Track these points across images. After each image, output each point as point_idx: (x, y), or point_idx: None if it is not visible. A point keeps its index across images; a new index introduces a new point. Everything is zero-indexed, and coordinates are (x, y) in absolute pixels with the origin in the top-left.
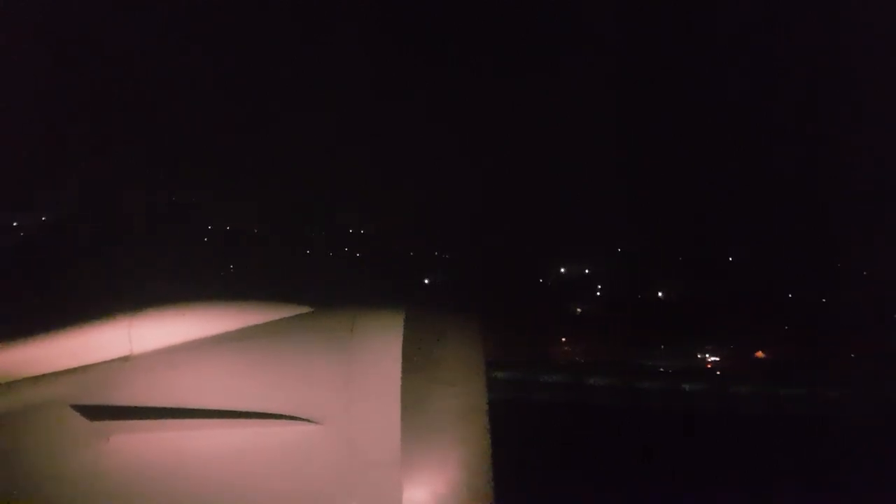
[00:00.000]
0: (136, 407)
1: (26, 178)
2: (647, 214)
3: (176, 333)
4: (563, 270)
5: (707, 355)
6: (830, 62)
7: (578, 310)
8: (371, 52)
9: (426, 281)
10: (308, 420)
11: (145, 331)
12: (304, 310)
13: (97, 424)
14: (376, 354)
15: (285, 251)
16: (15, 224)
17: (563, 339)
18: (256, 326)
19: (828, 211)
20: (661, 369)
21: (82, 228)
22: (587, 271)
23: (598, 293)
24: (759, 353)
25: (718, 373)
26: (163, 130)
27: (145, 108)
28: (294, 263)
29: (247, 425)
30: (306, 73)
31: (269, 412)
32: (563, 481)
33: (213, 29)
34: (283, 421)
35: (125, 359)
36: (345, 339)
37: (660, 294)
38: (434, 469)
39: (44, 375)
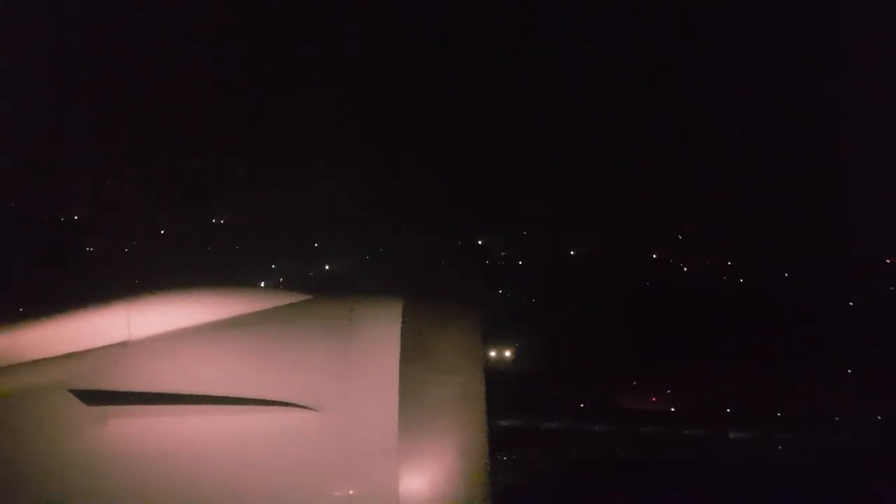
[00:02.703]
0: (133, 392)
1: (28, 171)
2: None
3: (174, 320)
4: (327, 267)
5: None
6: (830, 62)
7: None
8: (370, 52)
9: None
10: (305, 407)
11: (144, 316)
12: (303, 297)
13: (95, 409)
14: (375, 342)
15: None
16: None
17: None
18: (255, 313)
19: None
20: None
21: (83, 220)
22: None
23: None
24: None
25: None
26: (158, 126)
27: (143, 104)
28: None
29: (244, 412)
30: (303, 73)
31: (267, 399)
32: None
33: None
34: (281, 408)
35: (123, 344)
36: (343, 326)
37: None
38: (431, 456)
39: (42, 360)
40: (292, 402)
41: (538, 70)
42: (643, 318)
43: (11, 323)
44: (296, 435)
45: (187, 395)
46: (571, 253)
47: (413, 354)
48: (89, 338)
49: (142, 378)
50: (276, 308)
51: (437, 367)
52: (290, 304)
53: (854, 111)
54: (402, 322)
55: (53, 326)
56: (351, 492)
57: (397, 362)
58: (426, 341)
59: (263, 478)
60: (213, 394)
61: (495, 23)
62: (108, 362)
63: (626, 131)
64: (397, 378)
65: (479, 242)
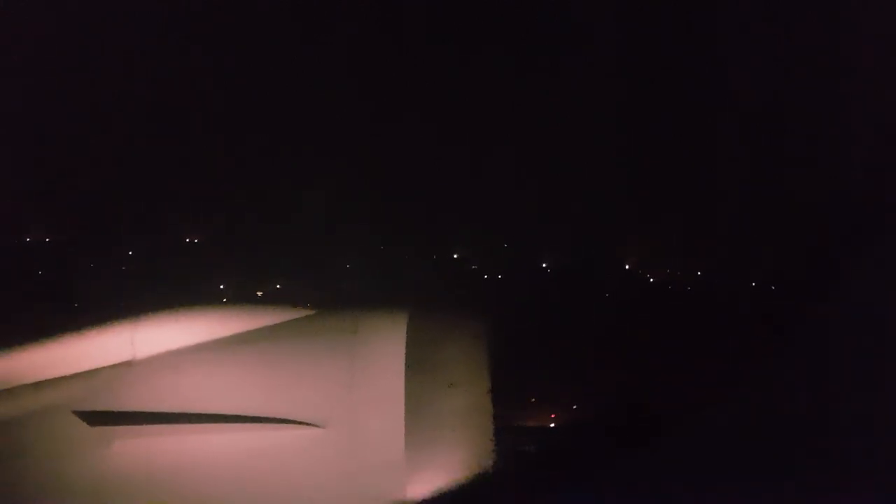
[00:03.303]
0: (138, 412)
1: (28, 183)
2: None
3: (178, 338)
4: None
5: None
6: (830, 62)
7: None
8: (369, 52)
9: None
10: (312, 424)
11: (148, 335)
12: (308, 312)
13: (99, 430)
14: (380, 356)
15: None
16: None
17: None
18: (259, 330)
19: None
20: None
21: (85, 235)
22: None
23: None
24: None
25: None
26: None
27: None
28: None
29: (250, 430)
30: (301, 73)
31: (273, 416)
32: None
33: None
34: (287, 425)
35: (128, 364)
36: (349, 340)
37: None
38: (437, 470)
39: (47, 381)
40: (298, 419)
41: (518, 79)
42: (577, 331)
43: (15, 344)
44: (302, 451)
45: (192, 414)
46: (543, 265)
47: (419, 367)
48: (93, 358)
49: (146, 398)
50: (280, 323)
51: (442, 380)
52: (295, 319)
53: (844, 115)
54: (407, 335)
55: (57, 347)
56: None
57: (403, 376)
58: (432, 354)
59: (270, 495)
60: (218, 412)
61: (467, 37)
62: (113, 382)
63: (604, 141)
64: (403, 391)
65: (455, 256)
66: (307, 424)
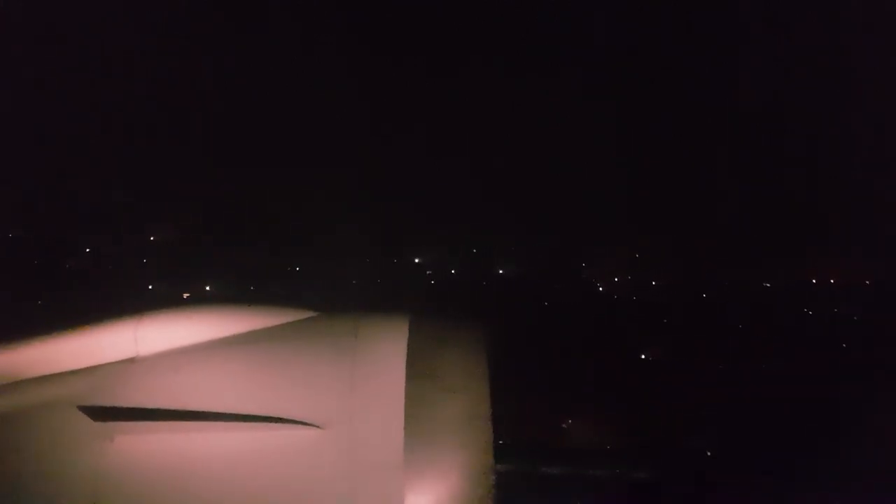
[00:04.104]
0: (140, 408)
1: (29, 179)
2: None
3: (181, 336)
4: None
5: None
6: (830, 62)
7: None
8: (368, 53)
9: None
10: (312, 424)
11: (151, 333)
12: (309, 314)
13: (102, 425)
14: (381, 359)
15: None
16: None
17: None
18: (262, 330)
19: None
20: None
21: (89, 231)
22: None
23: None
24: None
25: None
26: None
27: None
28: None
29: (251, 429)
30: (303, 74)
31: (274, 416)
32: None
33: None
34: (287, 425)
35: (131, 360)
36: (349, 343)
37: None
38: (437, 475)
39: (50, 376)
40: (298, 419)
41: (490, 84)
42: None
43: (19, 339)
44: (301, 452)
45: (193, 412)
46: (500, 272)
47: (419, 372)
48: (97, 354)
49: (149, 394)
50: (282, 325)
51: (443, 385)
52: (296, 320)
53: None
54: (408, 339)
55: (61, 342)
56: None
57: (403, 380)
58: (432, 359)
59: (268, 494)
60: (219, 410)
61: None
62: (116, 378)
63: (571, 154)
64: (403, 395)
65: (417, 260)
66: (307, 424)
